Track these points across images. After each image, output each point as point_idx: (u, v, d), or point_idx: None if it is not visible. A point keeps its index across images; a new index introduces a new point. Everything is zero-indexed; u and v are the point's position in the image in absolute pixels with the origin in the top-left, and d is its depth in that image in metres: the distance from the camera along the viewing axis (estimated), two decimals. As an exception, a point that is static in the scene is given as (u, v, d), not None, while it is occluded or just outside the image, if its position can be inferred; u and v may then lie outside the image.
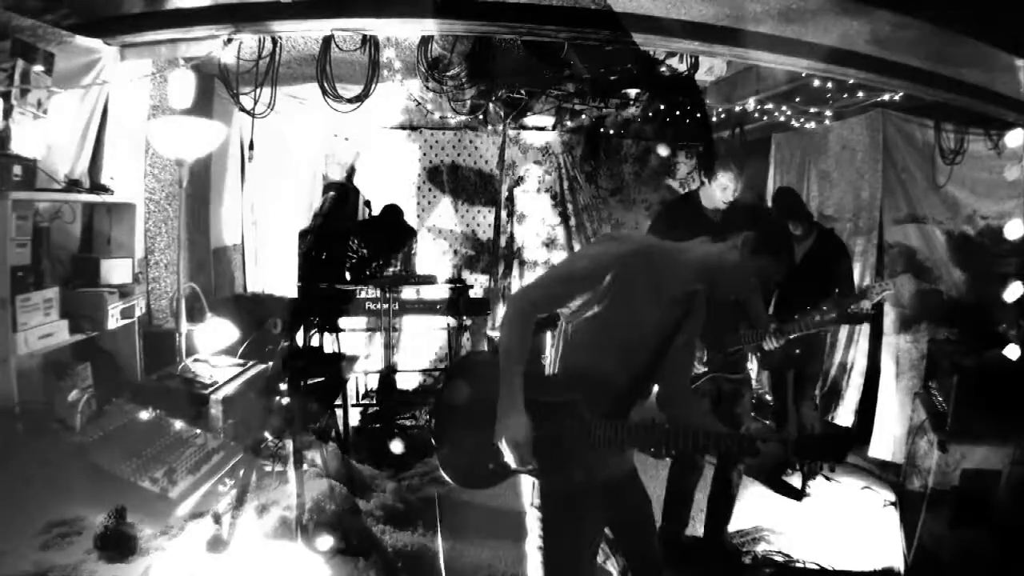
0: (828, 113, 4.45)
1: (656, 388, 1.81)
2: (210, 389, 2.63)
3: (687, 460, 2.99)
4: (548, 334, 1.79)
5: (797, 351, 3.46)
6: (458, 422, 1.72)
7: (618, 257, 1.62)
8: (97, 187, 2.81)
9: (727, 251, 1.65)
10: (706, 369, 2.86)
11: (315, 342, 4.11)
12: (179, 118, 2.94)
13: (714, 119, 5.01)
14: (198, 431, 2.43)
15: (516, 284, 5.64)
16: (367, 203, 5.32)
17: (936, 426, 2.77)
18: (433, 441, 1.73)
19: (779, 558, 3.09)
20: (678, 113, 4.95)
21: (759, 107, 4.46)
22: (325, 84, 3.06)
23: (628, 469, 1.78)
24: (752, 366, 4.55)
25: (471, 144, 5.60)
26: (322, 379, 3.11)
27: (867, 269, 4.41)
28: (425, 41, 3.16)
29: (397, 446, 3.91)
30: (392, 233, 4.73)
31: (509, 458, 1.58)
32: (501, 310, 5.21)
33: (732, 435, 1.64)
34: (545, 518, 1.67)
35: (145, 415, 2.45)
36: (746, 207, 3.57)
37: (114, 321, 2.70)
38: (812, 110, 4.43)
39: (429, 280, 4.57)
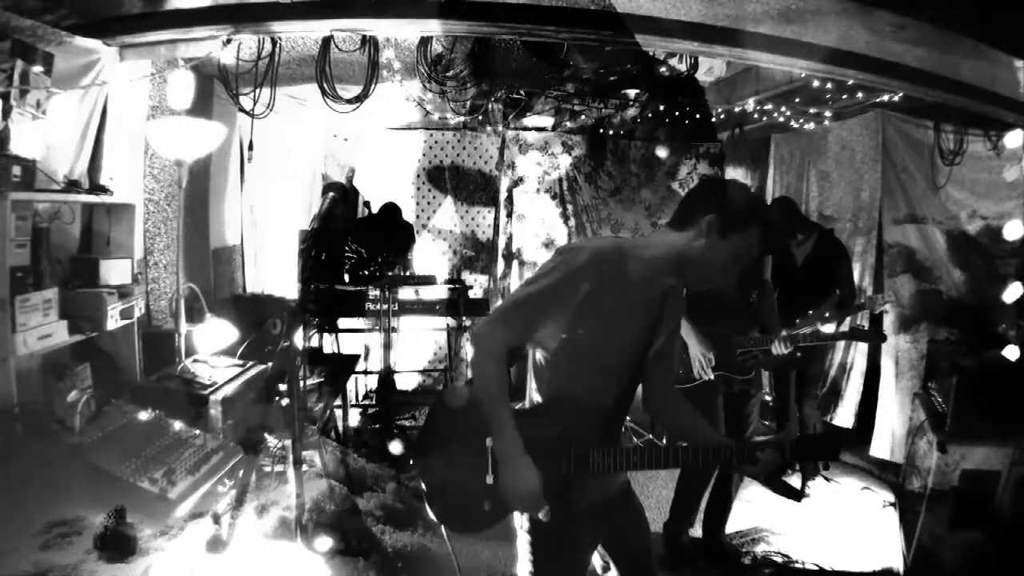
0: (827, 114, 4.46)
1: (640, 391, 1.74)
2: (209, 390, 2.63)
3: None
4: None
5: (798, 354, 3.47)
6: (446, 466, 1.60)
7: (580, 269, 1.48)
8: (96, 188, 2.80)
9: (693, 238, 1.50)
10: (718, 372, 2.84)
11: (325, 343, 4.14)
12: (178, 119, 2.94)
13: (714, 119, 5.03)
14: (197, 432, 2.43)
15: (515, 284, 5.64)
16: (367, 204, 5.36)
17: (936, 427, 2.77)
18: (423, 487, 1.62)
19: (779, 559, 3.09)
20: (677, 114, 4.97)
21: (758, 108, 4.46)
22: (325, 85, 3.06)
23: (621, 485, 1.72)
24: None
25: (471, 144, 5.60)
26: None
27: (867, 269, 4.41)
28: (425, 42, 3.16)
29: (396, 446, 3.90)
30: (390, 231, 4.75)
31: (522, 507, 1.49)
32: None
33: (730, 446, 1.58)
34: (535, 543, 1.60)
35: (144, 416, 2.45)
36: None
37: (113, 322, 2.69)
38: (811, 111, 4.43)
39: (428, 280, 4.57)
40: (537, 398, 1.64)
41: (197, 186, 3.76)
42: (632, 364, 1.59)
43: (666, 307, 1.59)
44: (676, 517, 3.07)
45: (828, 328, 3.18)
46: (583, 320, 1.49)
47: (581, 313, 1.48)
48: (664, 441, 2.45)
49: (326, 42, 2.96)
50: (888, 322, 4.28)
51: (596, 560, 1.77)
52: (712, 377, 2.79)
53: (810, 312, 3.37)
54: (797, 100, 4.25)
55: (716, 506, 3.05)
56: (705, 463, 1.57)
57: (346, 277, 4.27)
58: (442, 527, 1.67)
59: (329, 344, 4.30)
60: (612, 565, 1.73)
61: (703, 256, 1.50)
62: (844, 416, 4.51)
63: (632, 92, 4.32)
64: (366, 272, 4.23)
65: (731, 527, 3.15)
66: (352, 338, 4.59)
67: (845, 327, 3.16)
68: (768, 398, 4.54)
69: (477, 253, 5.68)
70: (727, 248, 1.48)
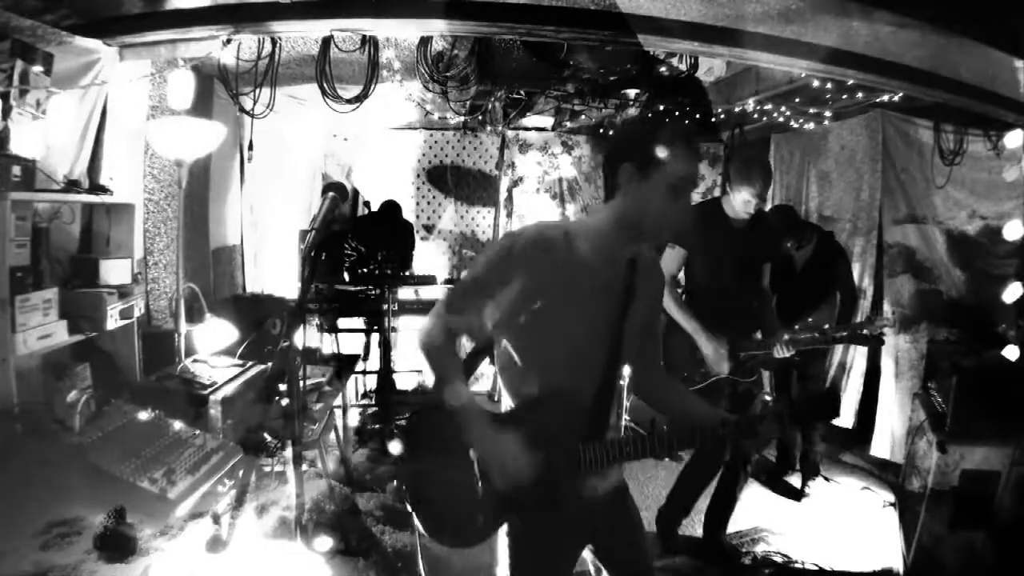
0: (827, 114, 4.45)
1: (628, 376, 1.68)
2: (209, 390, 2.63)
3: (706, 458, 3.01)
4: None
5: (797, 358, 3.48)
6: (432, 481, 1.53)
7: (520, 250, 1.42)
8: (96, 188, 2.80)
9: (624, 195, 1.40)
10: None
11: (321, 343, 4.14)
12: (178, 119, 2.94)
13: (715, 119, 5.02)
14: (197, 432, 2.43)
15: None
16: (367, 203, 5.36)
17: (935, 427, 2.78)
18: (409, 507, 1.54)
19: (779, 558, 3.09)
20: (678, 113, 4.96)
21: (758, 108, 4.46)
22: (325, 85, 3.06)
23: (612, 486, 1.60)
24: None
25: (471, 144, 5.61)
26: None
27: (867, 269, 4.41)
28: (425, 41, 3.16)
29: (396, 446, 3.90)
30: (390, 230, 4.75)
31: (509, 480, 1.41)
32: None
33: (727, 422, 1.51)
34: (514, 546, 1.53)
35: (144, 416, 2.45)
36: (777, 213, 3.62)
37: (113, 322, 2.69)
38: (811, 111, 4.43)
39: (428, 280, 4.57)
40: (511, 401, 1.56)
41: (197, 186, 3.77)
42: (606, 347, 1.49)
43: (636, 280, 1.50)
44: (672, 508, 3.08)
45: (834, 335, 3.20)
46: (536, 305, 1.43)
47: (531, 297, 1.42)
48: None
49: (326, 42, 2.96)
50: (888, 322, 4.29)
51: (589, 562, 1.71)
52: (727, 370, 2.80)
53: (810, 319, 3.37)
54: (797, 100, 4.24)
55: (719, 507, 3.06)
56: (704, 444, 1.49)
57: (346, 276, 4.28)
58: (417, 539, 1.62)
59: (329, 344, 4.30)
60: (607, 570, 1.64)
61: (640, 205, 1.40)
62: (844, 416, 4.50)
63: (632, 92, 4.32)
64: (366, 269, 4.23)
65: (731, 527, 3.15)
66: (349, 338, 4.60)
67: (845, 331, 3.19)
68: (768, 398, 4.54)
69: (477, 253, 5.68)
70: (656, 185, 1.37)
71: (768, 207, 4.65)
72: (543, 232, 1.47)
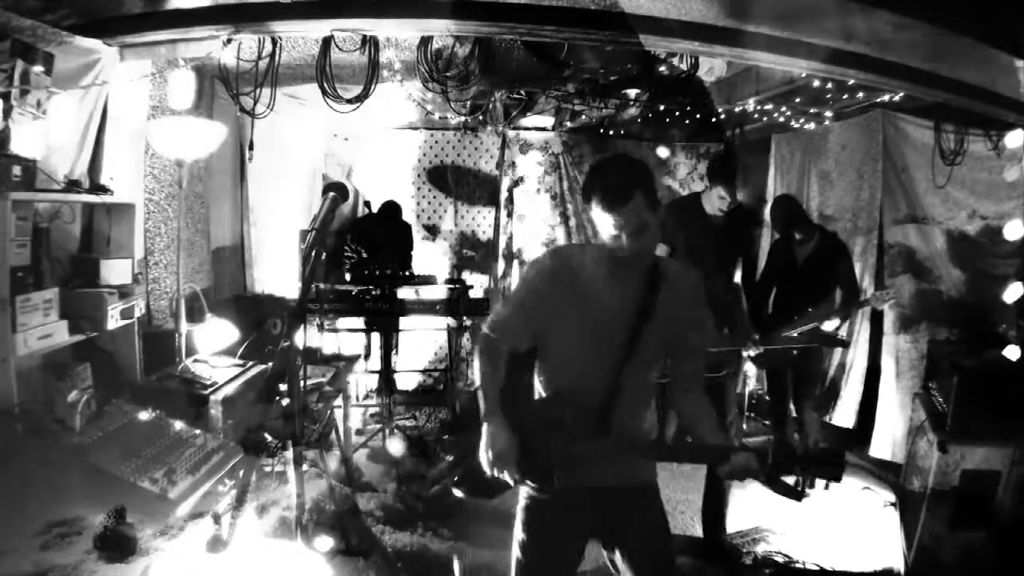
0: (828, 114, 4.45)
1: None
2: (210, 390, 2.63)
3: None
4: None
5: (795, 352, 3.48)
6: (466, 444, 1.74)
7: (539, 269, 1.65)
8: (97, 187, 2.81)
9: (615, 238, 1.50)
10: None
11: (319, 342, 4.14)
12: (179, 118, 2.94)
13: (716, 119, 5.03)
14: (198, 431, 2.43)
15: (516, 284, 5.66)
16: (367, 203, 5.35)
17: (936, 426, 2.78)
18: (449, 460, 1.77)
19: (779, 558, 3.09)
20: (678, 113, 4.97)
21: (759, 108, 4.46)
22: (325, 85, 3.06)
23: (625, 484, 1.65)
24: (751, 368, 4.57)
25: (471, 144, 5.60)
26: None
27: (867, 269, 4.41)
28: (425, 41, 3.16)
29: (396, 446, 3.91)
30: (389, 229, 4.75)
31: (493, 467, 1.57)
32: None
33: (699, 448, 1.66)
34: (526, 521, 1.67)
35: (145, 416, 2.45)
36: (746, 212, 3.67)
37: (114, 322, 2.70)
38: (812, 111, 4.43)
39: (429, 280, 4.56)
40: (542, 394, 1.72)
41: (197, 186, 3.77)
42: (614, 353, 1.57)
43: (655, 293, 1.58)
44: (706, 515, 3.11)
45: (795, 332, 3.33)
46: (554, 314, 1.61)
47: (552, 307, 1.61)
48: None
49: (326, 42, 2.96)
50: (888, 322, 4.28)
51: (608, 561, 1.73)
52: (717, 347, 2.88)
53: (810, 310, 3.38)
54: (797, 100, 4.24)
55: (711, 503, 3.06)
56: (674, 459, 1.65)
57: (347, 276, 4.28)
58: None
59: (330, 344, 4.30)
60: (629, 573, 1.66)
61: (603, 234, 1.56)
62: (844, 416, 4.50)
63: (633, 92, 4.32)
64: (366, 271, 4.24)
65: (731, 527, 3.15)
66: (350, 338, 4.59)
67: (812, 331, 3.25)
68: (767, 398, 4.54)
69: (477, 253, 5.68)
70: (597, 224, 1.54)
71: (771, 201, 4.67)
72: (555, 250, 1.72)
